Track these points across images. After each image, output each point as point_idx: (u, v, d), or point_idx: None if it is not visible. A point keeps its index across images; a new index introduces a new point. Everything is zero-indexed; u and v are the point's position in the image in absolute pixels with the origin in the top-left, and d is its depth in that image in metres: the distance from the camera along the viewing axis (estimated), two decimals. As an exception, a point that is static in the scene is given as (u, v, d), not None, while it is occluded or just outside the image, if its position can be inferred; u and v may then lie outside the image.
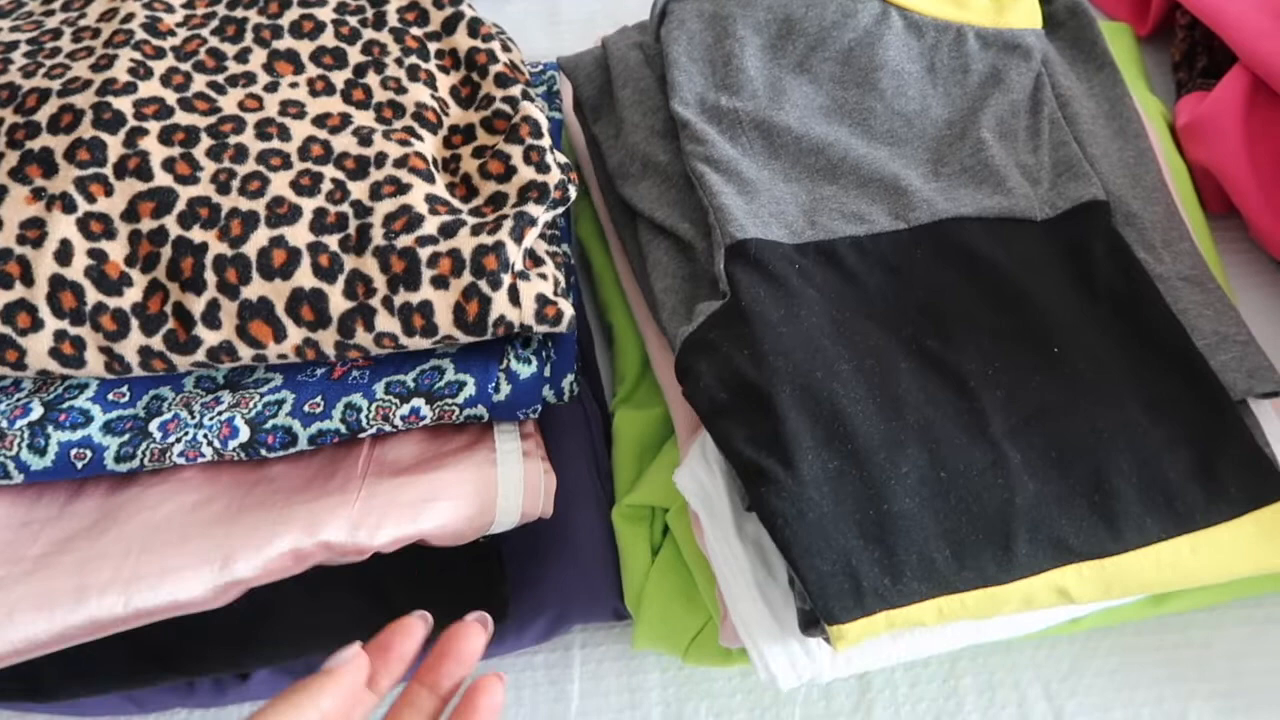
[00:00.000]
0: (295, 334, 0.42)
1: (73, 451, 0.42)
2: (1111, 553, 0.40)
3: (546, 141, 0.47)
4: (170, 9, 0.51)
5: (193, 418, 0.43)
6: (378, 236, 0.43)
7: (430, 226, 0.43)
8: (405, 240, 0.42)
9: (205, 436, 0.42)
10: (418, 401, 0.43)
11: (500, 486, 0.43)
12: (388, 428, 0.43)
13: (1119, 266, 0.48)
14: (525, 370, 0.44)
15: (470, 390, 0.43)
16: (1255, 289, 0.57)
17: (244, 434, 0.42)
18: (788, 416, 0.39)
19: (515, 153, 0.47)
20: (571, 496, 0.47)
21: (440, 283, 0.42)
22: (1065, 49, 0.56)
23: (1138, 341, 0.46)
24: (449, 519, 0.41)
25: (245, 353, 0.42)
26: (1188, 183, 0.57)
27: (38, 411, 0.42)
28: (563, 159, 0.48)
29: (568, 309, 0.43)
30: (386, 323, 0.42)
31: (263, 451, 0.43)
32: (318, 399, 0.43)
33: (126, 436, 0.42)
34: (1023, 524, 0.39)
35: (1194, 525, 0.41)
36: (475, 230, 0.43)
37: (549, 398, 0.45)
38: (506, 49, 0.53)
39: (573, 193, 0.47)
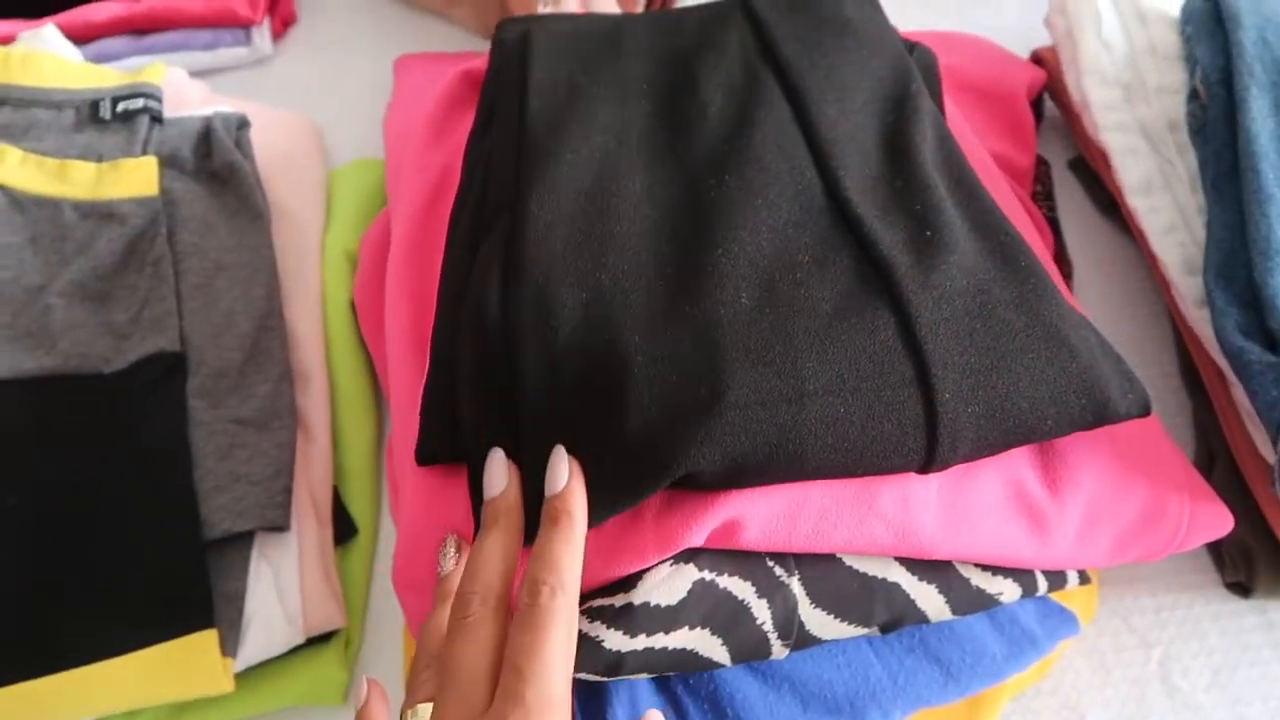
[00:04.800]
0: None
1: None
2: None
3: None
4: None
5: None
6: None
7: None
8: None
9: None
10: None
11: None
12: None
13: (159, 414, 0.54)
14: None
15: None
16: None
17: None
18: None
19: None
20: None
21: None
22: (231, 205, 0.63)
23: (143, 491, 0.52)
24: None
25: None
26: (342, 315, 0.63)
27: None
28: None
29: None
30: None
31: None
32: None
33: None
34: None
35: (71, 664, 0.47)
36: None
37: None
38: None
39: None
